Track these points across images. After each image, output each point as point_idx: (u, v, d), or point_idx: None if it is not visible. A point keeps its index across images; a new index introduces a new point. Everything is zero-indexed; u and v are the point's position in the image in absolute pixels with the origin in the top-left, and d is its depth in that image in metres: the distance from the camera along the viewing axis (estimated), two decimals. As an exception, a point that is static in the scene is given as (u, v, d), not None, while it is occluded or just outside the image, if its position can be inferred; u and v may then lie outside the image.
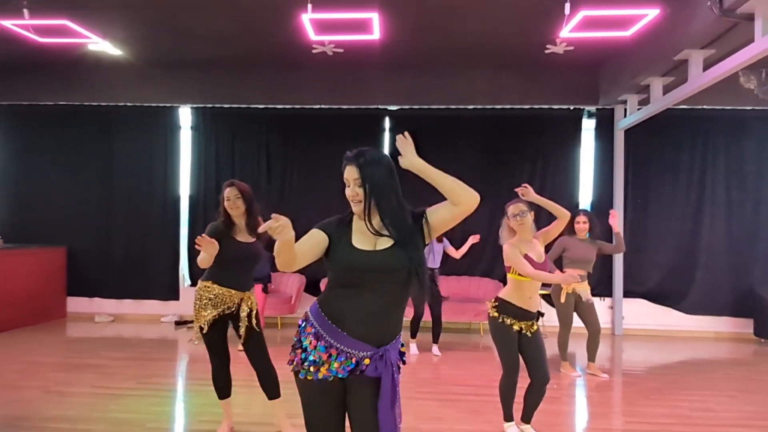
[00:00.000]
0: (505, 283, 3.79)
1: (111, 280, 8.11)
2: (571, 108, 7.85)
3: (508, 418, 3.77)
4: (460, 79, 7.73)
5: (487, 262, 7.78)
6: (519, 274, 3.54)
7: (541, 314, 3.71)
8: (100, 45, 6.62)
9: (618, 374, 5.69)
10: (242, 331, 3.53)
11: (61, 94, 8.15)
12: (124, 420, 4.00)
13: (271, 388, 3.62)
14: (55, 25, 5.71)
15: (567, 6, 5.02)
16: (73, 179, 8.15)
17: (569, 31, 5.46)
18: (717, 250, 7.56)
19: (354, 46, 6.49)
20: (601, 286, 7.64)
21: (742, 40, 4.64)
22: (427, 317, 6.33)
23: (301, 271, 7.64)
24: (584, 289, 5.40)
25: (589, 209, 6.85)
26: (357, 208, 2.03)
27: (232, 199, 3.50)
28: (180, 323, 7.74)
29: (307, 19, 5.33)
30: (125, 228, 8.13)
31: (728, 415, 4.38)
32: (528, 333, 3.59)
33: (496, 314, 3.62)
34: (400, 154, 2.04)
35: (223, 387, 3.67)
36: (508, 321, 3.57)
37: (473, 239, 6.25)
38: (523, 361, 3.63)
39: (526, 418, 3.73)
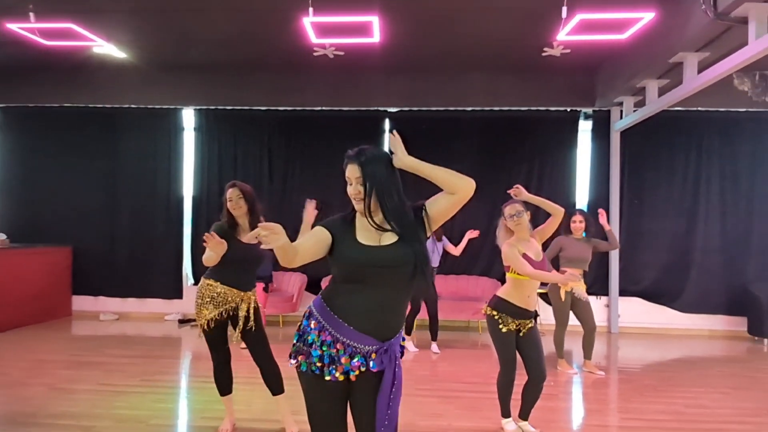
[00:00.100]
0: (503, 281, 3.79)
1: (115, 280, 8.12)
2: (568, 110, 7.85)
3: (506, 414, 3.78)
4: (458, 81, 7.73)
5: (486, 261, 7.78)
6: (518, 273, 3.54)
7: (537, 315, 3.71)
8: (105, 48, 6.62)
9: (614, 371, 5.69)
10: (238, 330, 3.52)
11: (67, 96, 8.16)
12: (129, 417, 4.00)
13: (274, 383, 3.62)
14: (61, 28, 5.71)
15: (564, 9, 5.02)
16: (78, 180, 8.16)
17: (566, 35, 5.46)
18: (711, 249, 7.57)
19: (354, 49, 6.49)
20: (598, 284, 7.64)
21: (736, 43, 4.64)
22: (423, 315, 6.34)
23: (302, 270, 7.66)
24: (581, 288, 5.41)
25: (585, 209, 6.85)
26: (359, 205, 2.03)
27: (234, 200, 3.50)
28: (183, 321, 7.74)
29: (308, 22, 5.34)
30: (129, 228, 8.14)
31: (722, 411, 4.38)
32: (524, 331, 3.59)
33: (493, 313, 3.63)
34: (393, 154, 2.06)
35: (224, 384, 3.68)
36: (506, 320, 3.57)
37: (471, 234, 6.27)
38: (521, 359, 3.63)
39: (524, 415, 3.74)
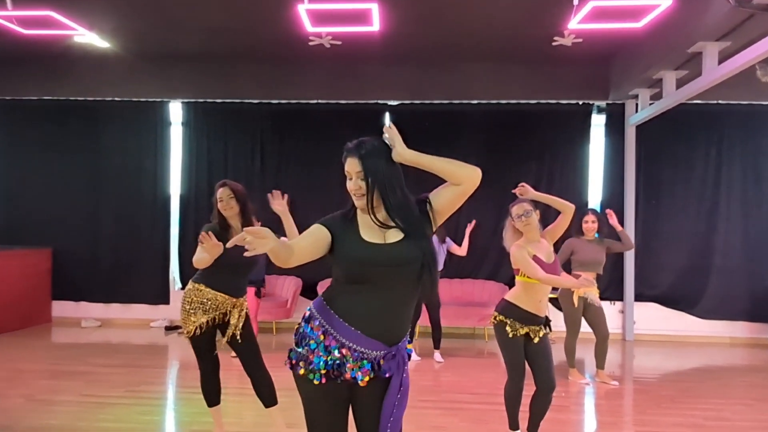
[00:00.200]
0: (511, 285, 3.79)
1: (98, 284, 8.12)
2: (580, 103, 7.86)
3: (514, 426, 3.77)
4: (463, 72, 7.73)
5: (492, 264, 7.79)
6: (528, 277, 3.54)
7: (549, 321, 3.71)
8: (87, 37, 6.62)
9: (629, 381, 5.70)
10: (227, 338, 3.52)
11: (46, 88, 8.16)
12: (113, 429, 4.01)
13: (267, 395, 3.61)
14: (40, 16, 5.69)
15: (575, -4, 5.03)
16: (59, 177, 8.16)
17: (578, 23, 5.45)
18: (733, 251, 7.57)
19: (352, 38, 6.49)
20: (612, 289, 7.65)
21: (759, 32, 4.65)
22: (425, 322, 6.35)
23: (297, 274, 7.66)
24: (594, 293, 5.41)
25: (598, 209, 6.86)
26: (360, 201, 2.02)
27: (225, 200, 3.49)
28: (170, 328, 7.74)
29: (303, 9, 5.33)
30: (113, 229, 8.14)
31: (744, 424, 4.39)
32: (535, 338, 3.59)
33: (502, 318, 3.63)
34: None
35: (212, 394, 3.67)
36: (515, 325, 3.58)
37: (470, 227, 6.30)
38: (529, 368, 3.63)
39: (533, 428, 3.73)
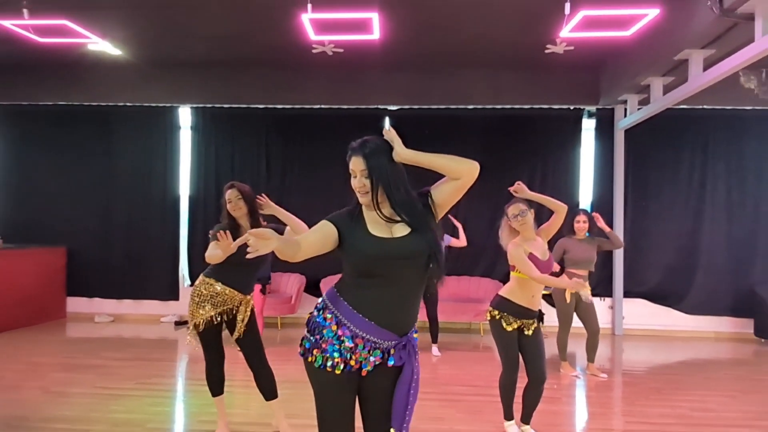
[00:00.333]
0: (505, 282, 3.80)
1: (110, 281, 8.12)
2: (571, 108, 7.86)
3: (509, 416, 3.78)
4: (459, 78, 7.74)
5: (487, 262, 7.79)
6: (524, 274, 3.54)
7: (542, 315, 3.71)
8: (100, 45, 6.63)
9: (618, 374, 5.70)
10: (236, 334, 3.52)
11: (61, 93, 8.17)
12: (124, 420, 4.01)
13: (268, 389, 3.61)
14: (55, 25, 5.71)
15: (567, 6, 5.03)
16: (73, 179, 8.16)
17: (569, 31, 5.47)
18: (717, 250, 7.57)
19: (354, 46, 6.50)
20: (602, 286, 7.65)
21: (743, 40, 4.64)
22: (422, 317, 6.34)
23: (301, 271, 7.66)
24: (585, 290, 5.41)
25: (589, 209, 6.86)
26: (364, 199, 2.03)
27: (233, 201, 3.48)
28: (180, 323, 7.75)
29: (307, 19, 5.34)
30: (125, 228, 8.14)
31: (729, 415, 4.39)
32: (528, 332, 3.60)
33: (496, 313, 3.63)
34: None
35: (216, 384, 3.66)
36: (509, 319, 3.58)
37: (456, 222, 6.33)
38: (522, 360, 3.64)
39: (526, 419, 3.74)
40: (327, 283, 7.39)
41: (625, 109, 7.39)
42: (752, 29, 4.33)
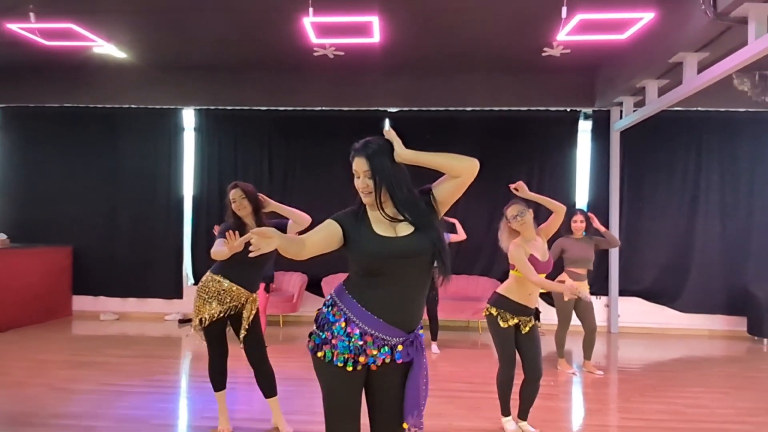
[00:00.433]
0: (503, 281, 3.80)
1: (116, 279, 8.12)
2: (568, 110, 7.86)
3: (506, 412, 3.78)
4: (458, 81, 7.74)
5: (486, 261, 7.78)
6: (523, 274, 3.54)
7: (539, 312, 3.71)
8: (105, 48, 6.62)
9: (613, 371, 5.70)
10: (242, 333, 3.52)
11: (67, 96, 8.16)
12: (130, 417, 4.01)
13: (267, 386, 3.62)
14: (61, 28, 5.71)
15: (564, 10, 5.02)
16: (79, 180, 8.16)
17: (566, 35, 5.47)
18: (711, 249, 7.57)
19: (354, 49, 6.49)
20: (598, 284, 7.64)
21: (736, 43, 4.64)
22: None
23: (303, 270, 7.66)
24: (584, 288, 5.42)
25: (585, 209, 6.86)
26: (368, 199, 2.03)
27: (237, 201, 3.48)
28: (183, 321, 7.74)
29: (308, 22, 5.34)
30: (130, 228, 8.14)
31: (722, 411, 4.39)
32: (525, 329, 3.60)
33: (493, 310, 3.64)
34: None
35: (219, 378, 3.66)
36: (506, 316, 3.58)
37: (451, 220, 6.32)
38: (519, 356, 3.64)
39: (523, 415, 3.74)
40: (328, 282, 7.40)
41: (621, 111, 7.38)
42: (745, 32, 4.32)
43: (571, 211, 5.50)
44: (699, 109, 7.49)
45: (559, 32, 5.43)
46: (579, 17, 5.08)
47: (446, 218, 6.39)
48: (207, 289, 3.49)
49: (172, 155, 8.17)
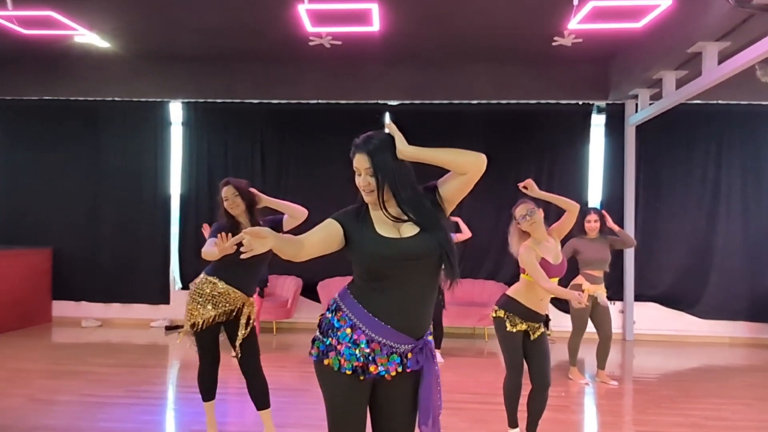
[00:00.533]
0: (511, 285, 3.79)
1: (98, 283, 8.11)
2: (580, 103, 7.86)
3: (513, 424, 3.78)
4: (463, 72, 7.74)
5: (492, 264, 7.78)
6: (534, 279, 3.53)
7: (548, 319, 3.71)
8: (87, 37, 6.62)
9: (628, 381, 5.70)
10: (239, 339, 3.50)
11: (46, 88, 8.16)
12: (113, 429, 4.02)
13: (260, 397, 3.61)
14: (40, 16, 5.69)
15: (575, -4, 5.03)
16: (59, 177, 8.15)
17: (578, 23, 5.46)
18: (732, 251, 7.56)
19: (353, 39, 6.50)
20: (612, 289, 7.60)
21: (759, 32, 4.65)
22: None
23: (297, 274, 7.66)
24: (602, 292, 5.42)
25: (598, 208, 6.85)
26: (370, 197, 2.02)
27: (230, 199, 3.47)
28: (170, 328, 7.73)
29: (303, 9, 5.33)
30: (113, 228, 8.13)
31: (744, 424, 4.39)
32: (533, 336, 3.60)
33: (500, 313, 3.64)
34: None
35: (209, 388, 3.66)
36: (515, 320, 3.58)
37: (454, 218, 6.30)
38: (526, 365, 3.64)
39: (531, 427, 3.73)
40: (324, 287, 7.40)
41: (636, 105, 7.38)
42: (769, 21, 4.33)
43: (584, 210, 5.50)
44: (719, 102, 7.50)
45: (571, 20, 5.42)
46: (592, 4, 5.07)
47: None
48: (201, 292, 3.48)
49: (159, 151, 8.16)
